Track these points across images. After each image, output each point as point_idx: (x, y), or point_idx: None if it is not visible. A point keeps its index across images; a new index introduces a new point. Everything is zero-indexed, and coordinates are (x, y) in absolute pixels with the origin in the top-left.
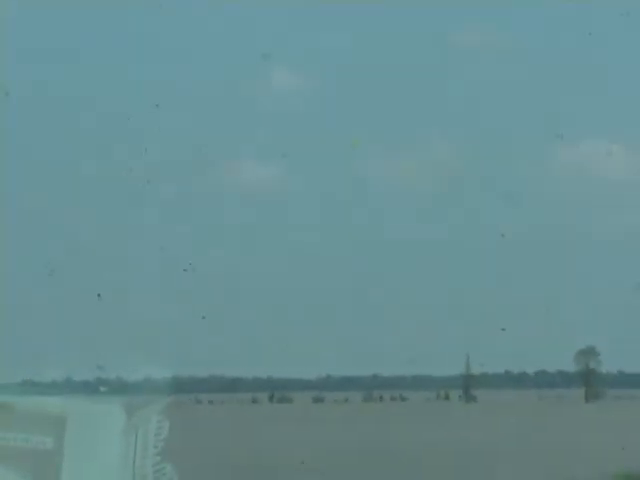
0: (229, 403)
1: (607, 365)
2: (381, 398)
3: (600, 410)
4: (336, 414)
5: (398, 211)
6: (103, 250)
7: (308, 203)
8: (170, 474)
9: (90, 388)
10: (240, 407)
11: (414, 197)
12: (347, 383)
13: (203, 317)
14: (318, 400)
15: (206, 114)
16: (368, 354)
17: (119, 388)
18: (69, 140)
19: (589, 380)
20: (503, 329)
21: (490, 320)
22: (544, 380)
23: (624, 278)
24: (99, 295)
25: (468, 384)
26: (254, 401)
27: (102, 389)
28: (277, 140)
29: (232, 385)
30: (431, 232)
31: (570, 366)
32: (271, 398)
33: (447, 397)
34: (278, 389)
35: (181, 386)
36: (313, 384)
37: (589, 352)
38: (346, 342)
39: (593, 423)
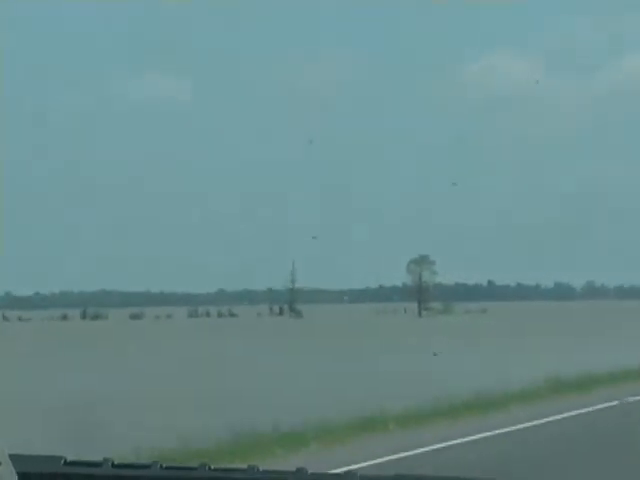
0: (37, 320)
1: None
2: (208, 314)
3: (425, 324)
4: (153, 331)
5: None
6: None
7: None
8: None
9: None
10: (49, 325)
11: None
12: (171, 299)
13: None
14: (136, 317)
15: None
16: (194, 270)
17: None
18: None
19: (423, 292)
20: (314, 237)
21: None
22: (387, 295)
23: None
24: None
25: (294, 299)
26: (64, 318)
27: None
28: None
29: (42, 302)
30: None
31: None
32: (83, 314)
33: (281, 312)
34: (92, 305)
35: None
36: (133, 300)
37: (422, 261)
38: (167, 259)
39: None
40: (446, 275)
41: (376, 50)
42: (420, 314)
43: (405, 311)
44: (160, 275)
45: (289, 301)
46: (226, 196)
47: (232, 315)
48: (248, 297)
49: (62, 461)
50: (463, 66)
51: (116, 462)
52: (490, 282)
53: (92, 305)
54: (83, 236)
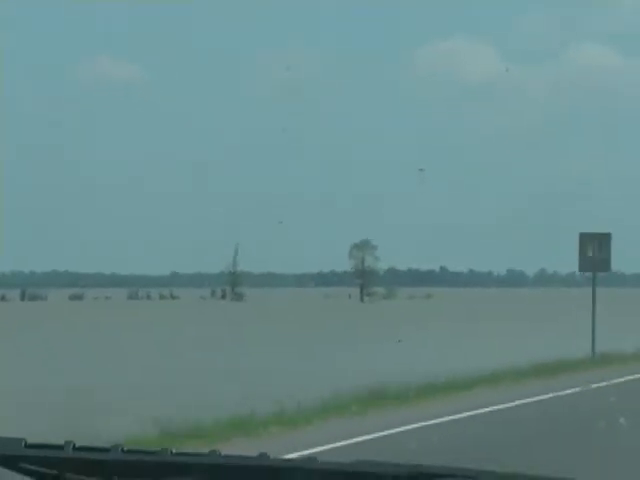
0: None
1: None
2: (149, 296)
3: (362, 309)
4: (91, 312)
5: None
6: None
7: None
8: None
9: None
10: None
11: None
12: (115, 280)
13: None
14: (76, 298)
15: None
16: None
17: None
18: None
19: (365, 277)
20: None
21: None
22: (340, 279)
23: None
24: None
25: (236, 282)
26: (2, 299)
27: None
28: None
29: None
30: None
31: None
32: (22, 295)
33: (224, 296)
34: (43, 285)
35: None
36: (72, 280)
37: (364, 246)
38: (120, 240)
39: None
40: (398, 260)
41: (341, 43)
42: (362, 299)
43: (350, 296)
44: (114, 256)
45: (231, 284)
46: (184, 178)
47: (173, 298)
48: (201, 280)
49: (23, 443)
50: (425, 54)
51: (77, 445)
52: (442, 268)
53: (43, 286)
54: (36, 216)
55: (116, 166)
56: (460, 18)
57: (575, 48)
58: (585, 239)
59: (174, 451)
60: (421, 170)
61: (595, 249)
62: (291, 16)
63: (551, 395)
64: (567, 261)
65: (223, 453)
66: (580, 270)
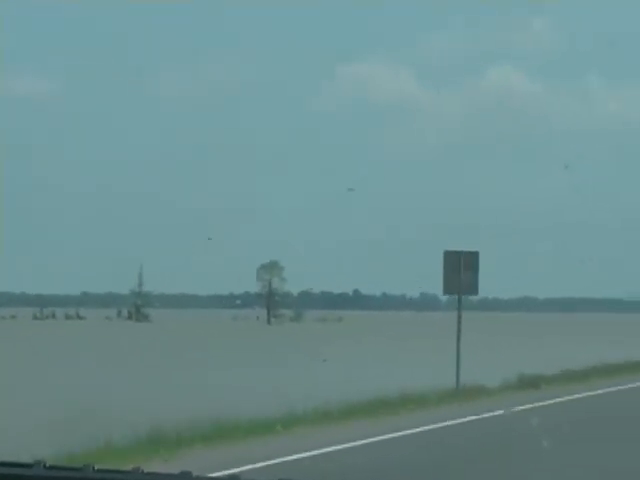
0: None
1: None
2: (54, 315)
3: (264, 332)
4: None
5: None
6: None
7: None
8: None
9: None
10: None
11: None
12: (26, 299)
13: None
14: None
15: None
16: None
17: None
18: None
19: (272, 299)
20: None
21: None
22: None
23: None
24: None
25: (141, 302)
26: None
27: None
28: None
29: None
30: None
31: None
32: None
33: (130, 316)
34: None
35: None
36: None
37: (272, 267)
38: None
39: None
40: (313, 283)
41: (263, 52)
42: (269, 321)
43: (258, 318)
44: (25, 275)
45: (135, 305)
46: (97, 195)
47: (80, 318)
48: (113, 300)
49: None
50: (340, 74)
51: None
52: (356, 291)
53: None
54: None
55: (26, 181)
56: (374, 38)
57: (489, 70)
58: (450, 258)
59: (96, 468)
60: (350, 190)
61: (462, 269)
62: (205, 30)
63: (395, 435)
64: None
65: (97, 467)
66: (445, 293)
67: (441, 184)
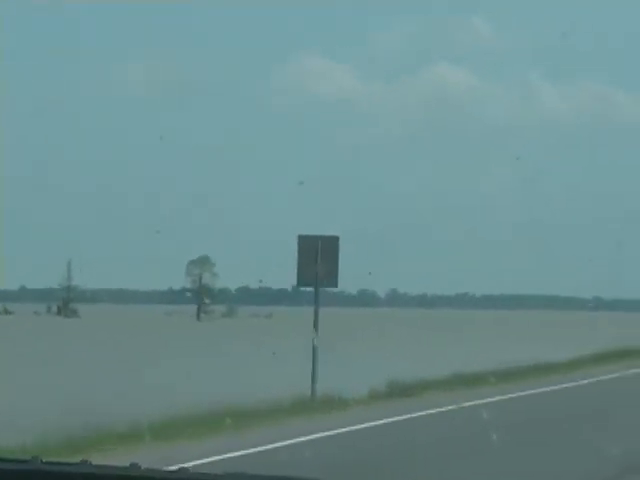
0: None
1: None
2: None
3: (189, 328)
4: None
5: None
6: None
7: None
8: None
9: None
10: None
11: None
12: None
13: None
14: None
15: None
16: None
17: None
18: None
19: (201, 295)
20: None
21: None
22: (181, 297)
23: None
24: None
25: (70, 298)
26: None
27: None
28: None
29: None
30: None
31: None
32: None
33: (59, 312)
34: None
35: None
36: None
37: (202, 262)
38: None
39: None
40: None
41: (196, 50)
42: (199, 317)
43: (190, 314)
44: None
45: (64, 300)
46: (37, 190)
47: (7, 313)
48: (49, 295)
49: None
50: (278, 69)
51: None
52: (294, 287)
53: None
54: None
55: None
56: (318, 34)
57: (429, 68)
58: (305, 244)
59: (44, 460)
60: (301, 183)
61: (319, 257)
62: (136, 27)
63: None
64: (417, 282)
65: (94, 463)
66: (299, 285)
67: (387, 179)
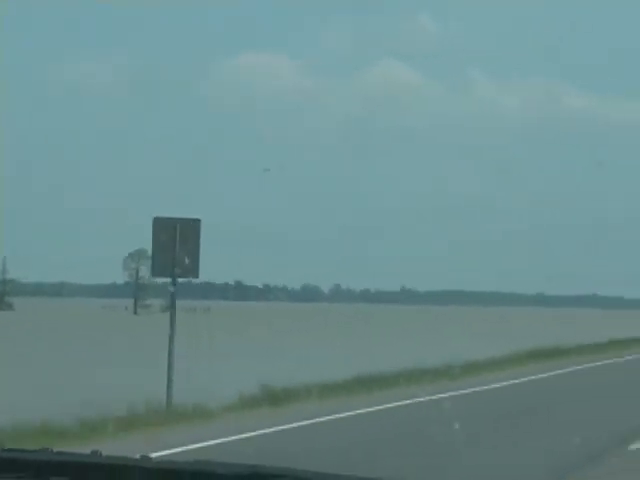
0: None
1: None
2: None
3: (122, 322)
4: None
5: None
6: None
7: None
8: None
9: None
10: None
11: None
12: None
13: None
14: None
15: None
16: None
17: None
18: None
19: (140, 288)
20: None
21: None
22: (123, 290)
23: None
24: None
25: (6, 291)
26: None
27: None
28: None
29: None
30: None
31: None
32: None
33: None
34: None
35: None
36: None
37: (139, 255)
38: None
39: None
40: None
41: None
42: (135, 311)
43: (126, 308)
44: None
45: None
46: None
47: None
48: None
49: None
50: (223, 66)
51: None
52: (238, 282)
53: None
54: None
55: None
56: (262, 33)
57: (375, 64)
58: (161, 228)
59: (55, 450)
60: (266, 170)
61: (178, 243)
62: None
63: None
64: (361, 278)
65: (105, 454)
66: (154, 275)
67: (334, 179)
